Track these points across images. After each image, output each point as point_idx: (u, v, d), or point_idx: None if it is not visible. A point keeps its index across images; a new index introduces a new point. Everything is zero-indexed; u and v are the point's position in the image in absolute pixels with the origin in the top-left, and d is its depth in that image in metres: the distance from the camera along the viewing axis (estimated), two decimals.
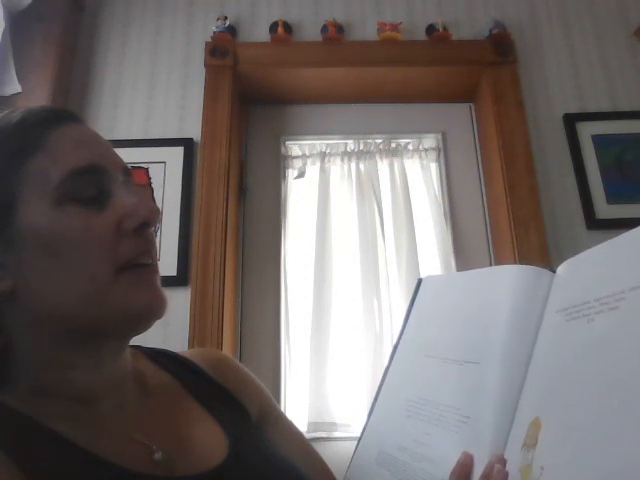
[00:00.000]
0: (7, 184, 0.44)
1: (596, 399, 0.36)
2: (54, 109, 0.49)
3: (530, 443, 0.39)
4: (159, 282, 0.48)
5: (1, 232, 0.43)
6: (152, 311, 0.46)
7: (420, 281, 0.65)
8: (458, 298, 0.59)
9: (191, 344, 1.27)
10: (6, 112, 0.47)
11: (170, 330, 1.28)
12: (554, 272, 0.49)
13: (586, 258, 0.46)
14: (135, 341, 0.51)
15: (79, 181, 0.44)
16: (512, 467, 0.39)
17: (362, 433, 0.58)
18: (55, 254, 0.43)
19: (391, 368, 0.61)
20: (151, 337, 0.50)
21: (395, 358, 0.61)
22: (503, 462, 0.40)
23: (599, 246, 0.44)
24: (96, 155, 0.47)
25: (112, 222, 0.45)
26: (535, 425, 0.40)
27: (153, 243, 0.49)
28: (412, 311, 0.63)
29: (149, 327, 0.47)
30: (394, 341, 1.51)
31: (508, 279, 0.52)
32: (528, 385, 0.44)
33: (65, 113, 0.49)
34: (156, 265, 0.49)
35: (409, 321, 0.63)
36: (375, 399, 0.60)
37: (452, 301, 0.59)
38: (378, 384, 0.61)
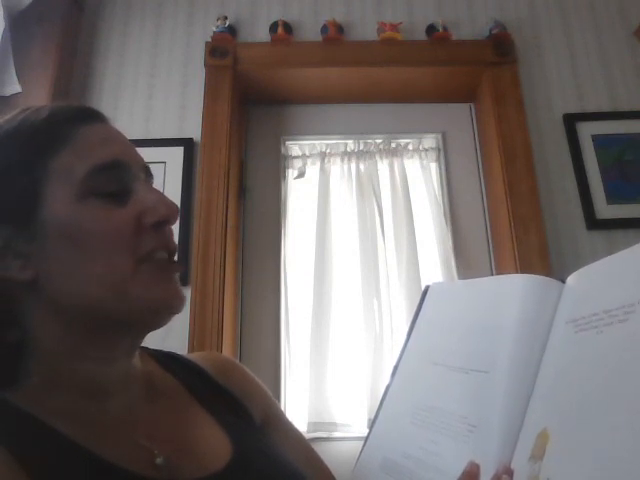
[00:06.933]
0: (34, 178, 0.45)
1: (604, 412, 0.36)
2: (82, 107, 0.51)
3: (537, 454, 0.39)
4: (178, 278, 0.49)
5: (26, 224, 0.44)
6: (170, 306, 0.47)
7: (427, 288, 0.65)
8: (466, 306, 0.58)
9: (191, 344, 1.27)
10: (35, 108, 0.49)
11: (170, 330, 1.28)
12: (563, 282, 0.49)
13: (596, 269, 0.46)
14: None
15: (102, 176, 0.46)
16: (519, 478, 0.39)
17: (367, 438, 0.58)
18: (77, 246, 0.44)
19: (397, 374, 0.60)
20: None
21: (401, 364, 0.61)
22: (510, 472, 0.40)
23: (610, 257, 0.44)
24: (120, 152, 0.49)
25: (132, 216, 0.46)
26: (542, 436, 0.39)
27: (172, 239, 0.50)
28: (418, 317, 0.63)
29: (167, 322, 0.48)
30: (394, 341, 1.50)
31: (517, 288, 0.51)
32: (536, 395, 0.43)
33: (92, 112, 0.51)
34: (175, 262, 0.50)
35: (415, 327, 0.62)
36: (381, 404, 0.59)
37: (459, 309, 0.59)
38: (382, 386, 0.60)
